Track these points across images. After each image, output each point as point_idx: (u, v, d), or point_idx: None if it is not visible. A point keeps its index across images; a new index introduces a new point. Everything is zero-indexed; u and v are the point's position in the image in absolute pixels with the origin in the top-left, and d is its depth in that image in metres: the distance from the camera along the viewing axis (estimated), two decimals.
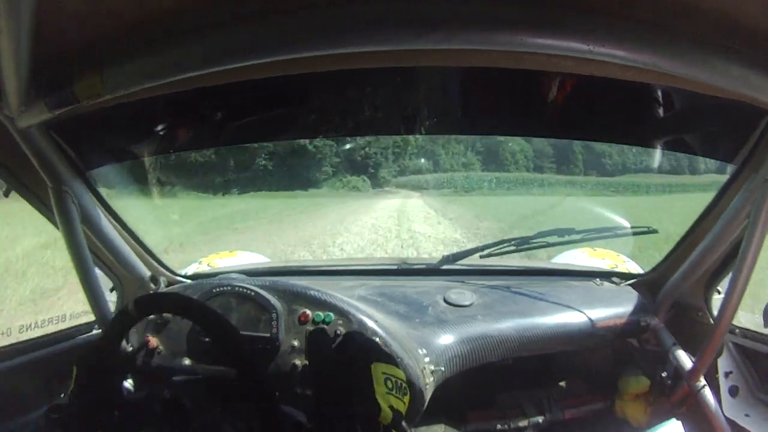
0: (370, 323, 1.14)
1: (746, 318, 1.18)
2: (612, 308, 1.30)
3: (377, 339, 1.10)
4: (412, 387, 1.08)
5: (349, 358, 0.95)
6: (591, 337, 1.27)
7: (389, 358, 0.99)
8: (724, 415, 1.13)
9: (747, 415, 1.14)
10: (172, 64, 0.74)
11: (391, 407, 0.90)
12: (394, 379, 0.93)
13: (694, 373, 1.14)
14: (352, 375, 0.92)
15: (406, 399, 0.94)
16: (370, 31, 0.66)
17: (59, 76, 0.78)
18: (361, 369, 0.92)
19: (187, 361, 1.14)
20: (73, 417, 0.91)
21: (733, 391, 1.17)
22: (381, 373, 0.92)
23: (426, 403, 1.12)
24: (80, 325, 1.34)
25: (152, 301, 0.98)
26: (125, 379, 1.15)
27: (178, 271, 1.52)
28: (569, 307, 1.30)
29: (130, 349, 1.18)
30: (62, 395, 1.22)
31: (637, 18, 0.65)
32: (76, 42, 0.74)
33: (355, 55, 0.74)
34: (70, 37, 0.73)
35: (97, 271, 1.21)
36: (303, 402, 1.08)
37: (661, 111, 1.02)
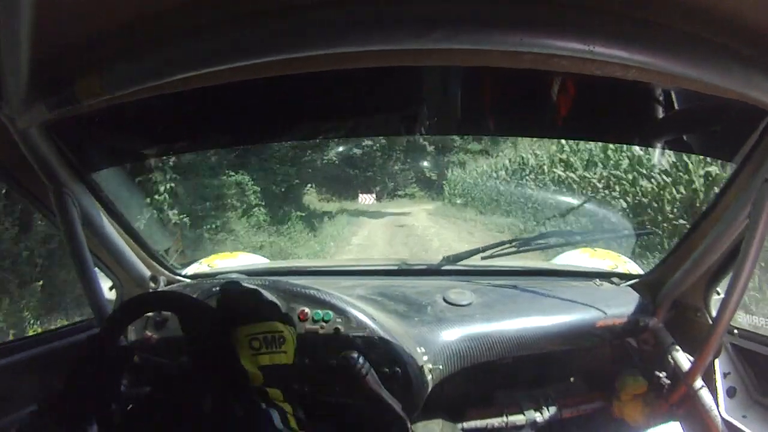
0: (369, 321, 1.14)
1: (744, 318, 1.18)
2: (611, 308, 1.30)
3: (258, 298, 1.04)
4: (408, 385, 1.09)
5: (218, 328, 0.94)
6: (590, 336, 1.27)
7: (257, 315, 0.95)
8: (721, 416, 1.13)
9: (744, 416, 1.14)
10: (171, 64, 0.74)
11: (263, 367, 0.90)
12: (262, 336, 0.92)
13: (692, 373, 1.14)
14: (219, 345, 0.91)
15: (286, 347, 0.92)
16: (368, 31, 0.67)
17: (59, 75, 0.78)
18: (226, 337, 0.92)
19: (186, 359, 1.15)
20: (67, 404, 0.92)
21: (731, 392, 1.17)
22: (245, 336, 0.92)
23: (424, 401, 1.12)
24: (79, 322, 1.34)
25: (137, 303, 1.00)
26: (121, 376, 1.16)
27: (178, 271, 1.53)
28: (568, 306, 1.30)
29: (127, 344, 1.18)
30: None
31: (637, 18, 0.65)
32: (75, 41, 0.74)
33: (354, 55, 0.74)
34: (69, 36, 0.73)
35: (97, 271, 1.22)
36: (301, 398, 1.08)
37: (661, 111, 1.03)
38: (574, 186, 7.76)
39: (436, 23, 0.65)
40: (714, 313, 1.19)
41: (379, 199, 17.46)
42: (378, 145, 16.96)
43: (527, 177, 10.24)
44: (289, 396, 0.92)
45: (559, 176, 8.25)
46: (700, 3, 0.63)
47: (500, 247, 1.50)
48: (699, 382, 1.14)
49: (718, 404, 1.14)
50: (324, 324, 1.15)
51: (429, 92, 1.10)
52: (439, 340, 1.17)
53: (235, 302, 0.99)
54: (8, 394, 1.13)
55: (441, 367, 1.15)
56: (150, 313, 1.20)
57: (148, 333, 1.20)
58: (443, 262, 1.58)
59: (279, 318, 0.97)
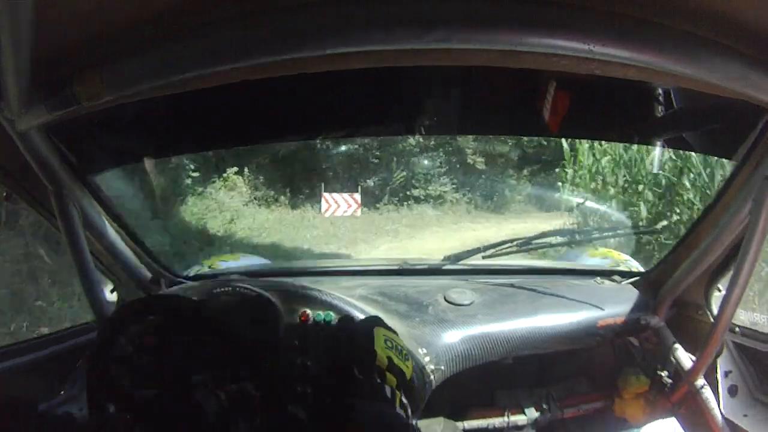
0: None
1: (745, 316, 1.18)
2: (612, 307, 1.30)
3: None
4: (412, 385, 1.09)
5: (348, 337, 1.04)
6: (591, 335, 1.27)
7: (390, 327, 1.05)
8: (723, 415, 1.13)
9: (745, 416, 1.14)
10: (172, 65, 0.74)
11: (392, 363, 0.98)
12: (393, 342, 1.01)
13: (693, 372, 1.14)
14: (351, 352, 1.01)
15: (409, 363, 1.02)
16: (368, 31, 0.67)
17: (59, 77, 0.78)
18: (362, 340, 1.00)
19: (187, 361, 1.15)
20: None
21: (732, 391, 1.17)
22: (382, 335, 1.01)
23: (426, 401, 1.12)
24: (80, 325, 1.34)
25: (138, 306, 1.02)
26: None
27: (180, 273, 1.53)
28: (570, 305, 1.30)
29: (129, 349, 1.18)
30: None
31: (637, 17, 0.66)
32: (76, 43, 0.74)
33: (354, 55, 0.74)
34: (70, 38, 0.73)
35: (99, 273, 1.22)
36: (303, 400, 1.08)
37: (661, 109, 1.03)
38: None
39: (435, 23, 0.65)
40: (715, 311, 1.19)
41: (371, 204, 7.93)
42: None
43: None
44: (402, 389, 1.00)
45: None
46: (700, 3, 0.63)
47: (501, 247, 1.50)
48: (701, 381, 1.14)
49: (719, 403, 1.14)
50: (325, 325, 1.15)
51: (429, 92, 1.10)
52: (440, 341, 1.17)
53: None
54: (11, 397, 1.13)
55: (442, 367, 1.15)
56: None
57: (147, 335, 1.20)
58: (444, 261, 1.57)
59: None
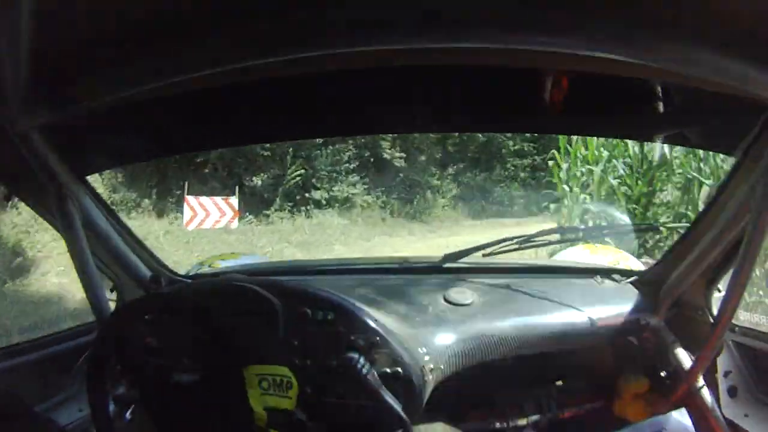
0: (371, 322, 1.14)
1: (745, 316, 1.18)
2: (612, 306, 1.30)
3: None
4: (409, 385, 1.09)
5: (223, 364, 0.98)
6: (591, 335, 1.27)
7: (264, 358, 0.98)
8: (723, 415, 1.13)
9: (746, 416, 1.14)
10: (172, 66, 0.74)
11: (268, 408, 0.94)
12: (271, 378, 0.95)
13: (693, 372, 1.14)
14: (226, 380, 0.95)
15: (291, 393, 0.96)
16: (367, 30, 0.66)
17: (59, 77, 0.78)
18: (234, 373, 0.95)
19: (186, 361, 1.15)
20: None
21: (732, 391, 1.17)
22: (254, 375, 0.95)
23: (425, 402, 1.12)
24: (80, 325, 1.35)
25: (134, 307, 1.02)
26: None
27: (180, 272, 1.53)
28: (569, 305, 1.30)
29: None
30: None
31: (636, 16, 0.65)
32: (76, 43, 0.74)
33: (353, 55, 0.74)
34: (70, 38, 0.73)
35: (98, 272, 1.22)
36: (301, 401, 1.08)
37: (661, 105, 1.02)
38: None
39: (434, 22, 0.65)
40: (715, 311, 1.19)
41: (257, 211, 6.32)
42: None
43: None
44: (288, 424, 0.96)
45: None
46: (699, 2, 0.63)
47: (501, 244, 1.49)
48: (700, 381, 1.14)
49: (719, 403, 1.14)
50: (325, 325, 1.15)
51: (429, 91, 1.10)
52: (440, 341, 1.17)
53: (246, 339, 1.02)
54: (11, 398, 1.13)
55: (442, 367, 1.15)
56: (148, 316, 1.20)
57: (147, 335, 1.20)
58: (444, 259, 1.57)
59: (288, 363, 1.00)
